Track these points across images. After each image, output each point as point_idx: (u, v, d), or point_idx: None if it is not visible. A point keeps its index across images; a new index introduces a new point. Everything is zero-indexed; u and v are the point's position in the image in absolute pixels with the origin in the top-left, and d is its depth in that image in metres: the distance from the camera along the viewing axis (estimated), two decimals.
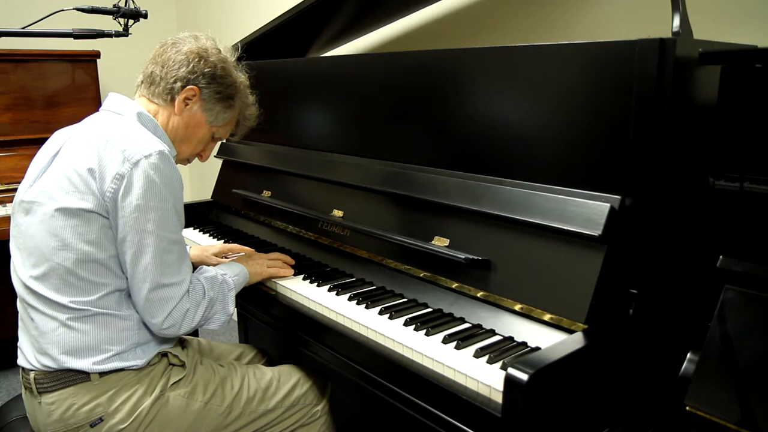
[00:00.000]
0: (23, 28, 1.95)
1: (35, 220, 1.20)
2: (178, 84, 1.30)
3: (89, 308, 1.18)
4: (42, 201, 1.19)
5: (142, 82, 1.34)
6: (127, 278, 1.20)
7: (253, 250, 1.62)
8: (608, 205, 1.04)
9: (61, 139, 1.27)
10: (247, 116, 1.46)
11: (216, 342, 1.63)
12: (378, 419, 1.76)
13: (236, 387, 1.34)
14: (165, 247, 1.18)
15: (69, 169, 1.18)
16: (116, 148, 1.17)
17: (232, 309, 1.34)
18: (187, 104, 1.32)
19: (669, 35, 1.02)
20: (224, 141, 2.18)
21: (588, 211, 1.06)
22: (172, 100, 1.31)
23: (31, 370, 1.21)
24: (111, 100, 1.32)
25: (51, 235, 1.17)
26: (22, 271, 1.22)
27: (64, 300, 1.17)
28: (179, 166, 1.34)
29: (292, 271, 1.48)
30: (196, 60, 1.30)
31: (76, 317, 1.18)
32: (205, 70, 1.31)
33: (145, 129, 1.26)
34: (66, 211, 1.16)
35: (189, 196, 3.69)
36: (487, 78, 1.27)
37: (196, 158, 1.45)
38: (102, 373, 1.19)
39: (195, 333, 2.08)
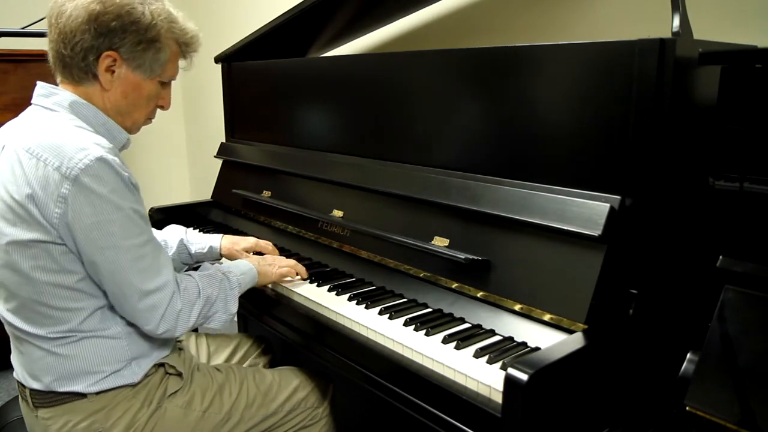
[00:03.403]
0: (23, 28, 1.95)
1: None
2: (90, 57, 1.11)
3: (73, 334, 1.12)
4: None
5: (54, 65, 1.16)
6: (104, 293, 1.13)
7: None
8: (608, 205, 1.04)
9: None
10: (188, 42, 1.23)
11: (212, 334, 1.62)
12: (380, 421, 1.76)
13: (234, 393, 1.32)
14: (136, 255, 1.09)
15: (7, 196, 1.07)
16: (50, 165, 1.04)
17: (235, 308, 1.27)
18: (112, 73, 1.14)
19: (669, 35, 1.02)
20: (224, 141, 2.19)
21: (588, 211, 1.06)
22: (95, 76, 1.14)
23: (26, 387, 1.18)
24: (40, 93, 1.17)
25: (11, 271, 1.09)
26: None
27: (42, 332, 1.12)
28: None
29: (306, 275, 1.43)
30: (95, 20, 1.09)
31: (61, 344, 1.12)
32: (111, 25, 1.10)
33: (82, 124, 1.13)
34: (18, 244, 1.07)
35: (189, 196, 3.69)
36: (486, 78, 1.27)
37: (159, 110, 1.28)
38: (98, 392, 1.16)
39: (194, 330, 2.08)
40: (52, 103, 1.15)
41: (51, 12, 1.13)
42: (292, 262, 1.46)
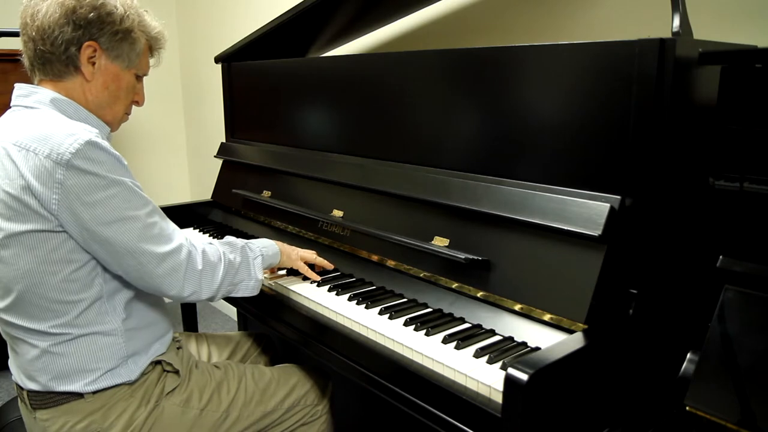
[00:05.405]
0: None
1: None
2: (72, 49, 1.15)
3: (70, 331, 1.12)
4: None
5: (32, 65, 1.20)
6: (102, 283, 1.14)
7: None
8: (608, 205, 1.04)
9: None
10: (156, 37, 1.29)
11: (211, 333, 1.62)
12: (379, 419, 1.76)
13: (233, 390, 1.32)
14: (145, 223, 1.11)
15: (1, 193, 1.08)
16: (40, 154, 1.05)
17: (261, 275, 1.30)
18: (94, 63, 1.18)
19: (669, 35, 1.02)
20: (224, 141, 2.19)
21: (588, 211, 1.06)
22: (77, 68, 1.17)
23: (23, 389, 1.19)
24: (19, 93, 1.19)
25: (7, 265, 1.10)
26: None
27: (41, 326, 1.12)
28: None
29: (318, 278, 1.43)
30: (72, 13, 1.13)
31: (57, 342, 1.13)
32: (89, 16, 1.14)
33: (64, 117, 1.14)
34: (15, 237, 1.07)
35: (189, 196, 3.69)
36: (486, 78, 1.27)
37: (134, 106, 1.32)
38: (95, 391, 1.16)
39: (194, 328, 2.08)
40: (33, 101, 1.16)
41: (25, 14, 1.17)
42: (313, 252, 1.47)
